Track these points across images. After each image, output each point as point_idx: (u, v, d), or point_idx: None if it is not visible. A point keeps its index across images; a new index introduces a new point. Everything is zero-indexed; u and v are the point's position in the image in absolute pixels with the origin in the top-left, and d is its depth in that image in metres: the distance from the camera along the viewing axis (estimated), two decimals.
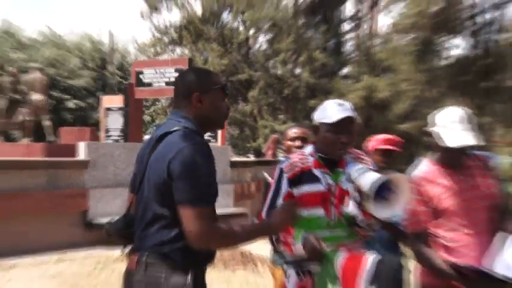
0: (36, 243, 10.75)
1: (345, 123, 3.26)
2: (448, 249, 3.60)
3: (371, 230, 3.50)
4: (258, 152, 26.62)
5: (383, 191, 3.10)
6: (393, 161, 4.92)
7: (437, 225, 3.68)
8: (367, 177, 3.12)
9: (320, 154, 3.41)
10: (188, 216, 2.73)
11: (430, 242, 3.72)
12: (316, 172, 3.39)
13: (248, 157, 25.23)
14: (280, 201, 3.45)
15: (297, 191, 3.37)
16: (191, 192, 2.70)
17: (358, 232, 3.43)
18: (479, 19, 29.61)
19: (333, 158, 3.37)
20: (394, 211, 3.25)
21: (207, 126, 3.10)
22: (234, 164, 15.77)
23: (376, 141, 4.95)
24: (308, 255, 3.30)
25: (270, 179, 4.33)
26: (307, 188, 3.38)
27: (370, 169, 3.29)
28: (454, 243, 3.58)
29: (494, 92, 27.92)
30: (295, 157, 3.54)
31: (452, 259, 3.51)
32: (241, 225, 2.93)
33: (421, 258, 3.76)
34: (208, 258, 3.06)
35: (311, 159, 3.44)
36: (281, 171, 3.48)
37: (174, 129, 2.88)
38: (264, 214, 3.60)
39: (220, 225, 2.83)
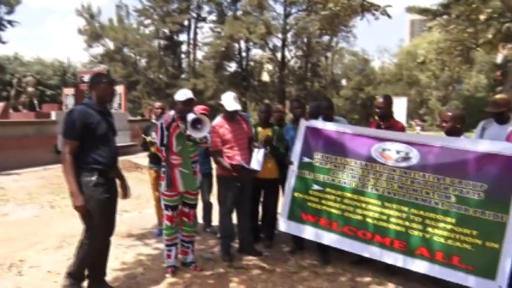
0: (32, 161, 12.00)
1: (189, 100, 3.95)
2: (229, 157, 4.36)
3: (203, 143, 4.16)
4: (142, 115, 26.62)
5: (196, 124, 3.85)
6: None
7: (224, 147, 4.41)
8: (189, 116, 3.81)
9: (178, 114, 3.95)
10: (62, 141, 3.40)
11: (222, 155, 4.40)
12: (178, 122, 3.95)
13: (137, 117, 24.88)
14: (165, 139, 3.95)
15: (169, 133, 3.93)
16: (63, 130, 3.32)
17: (199, 146, 4.15)
18: (242, 54, 35.87)
19: (184, 116, 3.86)
20: (202, 134, 3.93)
21: (101, 102, 3.49)
22: (129, 121, 18.14)
23: (198, 108, 4.98)
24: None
25: (147, 137, 5.21)
26: (172, 130, 3.91)
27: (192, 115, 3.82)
28: (232, 154, 4.38)
29: (247, 86, 34.19)
30: (166, 116, 4.03)
31: (231, 162, 4.32)
32: (71, 168, 3.24)
33: (217, 162, 4.43)
34: (106, 168, 3.43)
35: (174, 117, 3.95)
36: (161, 124, 3.98)
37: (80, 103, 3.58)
38: (159, 147, 4.02)
39: (67, 154, 3.26)
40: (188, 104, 3.99)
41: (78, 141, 3.31)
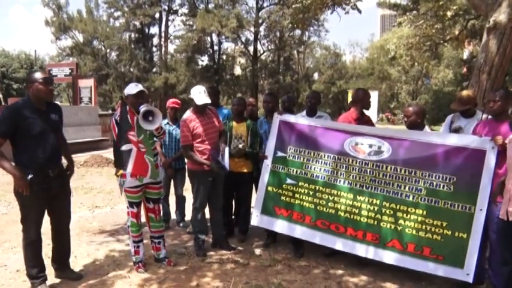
0: None
1: (140, 93, 3.88)
2: (200, 152, 4.35)
3: (160, 135, 4.19)
4: (113, 109, 23.32)
5: (147, 116, 3.82)
6: (177, 111, 5.40)
7: (195, 141, 4.36)
8: (142, 109, 3.77)
9: (130, 107, 3.87)
10: None
11: (192, 149, 4.37)
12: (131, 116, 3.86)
13: (108, 111, 24.67)
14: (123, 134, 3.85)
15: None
16: None
17: (158, 138, 4.22)
18: (214, 48, 36.00)
19: (135, 110, 3.84)
20: (154, 126, 3.88)
21: (38, 100, 3.46)
22: (100, 115, 17.89)
23: (170, 102, 5.39)
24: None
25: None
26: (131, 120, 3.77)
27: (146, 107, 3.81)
28: (202, 148, 4.35)
29: (220, 80, 34.06)
30: (119, 111, 3.92)
31: (203, 155, 4.33)
32: (4, 158, 3.32)
33: (188, 156, 4.42)
34: (41, 167, 3.45)
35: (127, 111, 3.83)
36: (116, 120, 3.90)
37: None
38: (119, 143, 3.90)
39: None
40: (140, 97, 3.92)
41: (6, 138, 3.37)
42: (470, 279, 3.50)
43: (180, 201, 5.65)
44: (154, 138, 4.19)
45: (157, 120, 3.89)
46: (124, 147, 3.88)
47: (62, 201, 3.79)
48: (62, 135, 3.76)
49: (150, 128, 3.91)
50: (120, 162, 3.95)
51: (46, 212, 3.68)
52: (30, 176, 3.39)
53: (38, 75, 3.52)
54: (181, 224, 5.66)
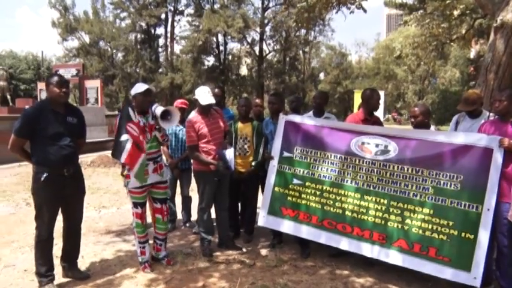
0: (6, 158, 10.78)
1: (148, 91, 3.91)
2: (205, 152, 4.37)
3: (166, 141, 4.30)
4: (119, 110, 31.19)
5: (166, 115, 3.87)
6: (185, 111, 5.43)
7: (200, 141, 4.37)
8: (158, 109, 3.86)
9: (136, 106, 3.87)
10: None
11: (198, 149, 4.39)
12: (138, 118, 3.90)
13: (114, 112, 23.20)
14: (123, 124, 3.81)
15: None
16: (14, 125, 3.50)
17: (161, 143, 4.17)
18: (220, 48, 36.08)
19: (144, 109, 3.91)
20: (172, 124, 4.02)
21: (53, 102, 3.55)
22: (106, 116, 18.14)
23: (178, 102, 5.43)
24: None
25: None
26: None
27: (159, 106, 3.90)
28: (208, 149, 4.37)
29: (226, 80, 34.15)
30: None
31: (209, 155, 4.35)
32: (24, 151, 3.57)
33: (194, 157, 4.45)
34: (56, 167, 3.52)
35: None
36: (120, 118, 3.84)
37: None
38: (118, 134, 3.83)
39: (10, 149, 3.56)
40: (148, 95, 3.93)
41: (25, 140, 3.54)
42: (477, 284, 3.40)
43: (186, 201, 5.66)
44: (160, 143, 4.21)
45: (176, 118, 3.96)
46: (122, 138, 3.85)
47: (76, 201, 3.84)
48: (80, 141, 3.84)
49: (169, 127, 4.04)
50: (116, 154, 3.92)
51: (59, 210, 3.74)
52: (45, 175, 3.46)
53: (54, 77, 3.61)
54: (187, 225, 5.66)
